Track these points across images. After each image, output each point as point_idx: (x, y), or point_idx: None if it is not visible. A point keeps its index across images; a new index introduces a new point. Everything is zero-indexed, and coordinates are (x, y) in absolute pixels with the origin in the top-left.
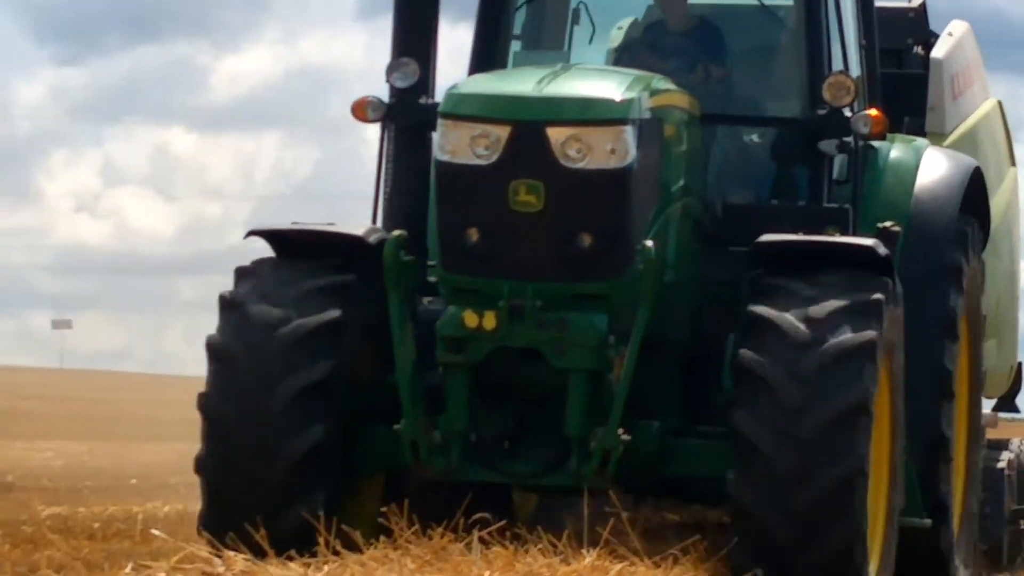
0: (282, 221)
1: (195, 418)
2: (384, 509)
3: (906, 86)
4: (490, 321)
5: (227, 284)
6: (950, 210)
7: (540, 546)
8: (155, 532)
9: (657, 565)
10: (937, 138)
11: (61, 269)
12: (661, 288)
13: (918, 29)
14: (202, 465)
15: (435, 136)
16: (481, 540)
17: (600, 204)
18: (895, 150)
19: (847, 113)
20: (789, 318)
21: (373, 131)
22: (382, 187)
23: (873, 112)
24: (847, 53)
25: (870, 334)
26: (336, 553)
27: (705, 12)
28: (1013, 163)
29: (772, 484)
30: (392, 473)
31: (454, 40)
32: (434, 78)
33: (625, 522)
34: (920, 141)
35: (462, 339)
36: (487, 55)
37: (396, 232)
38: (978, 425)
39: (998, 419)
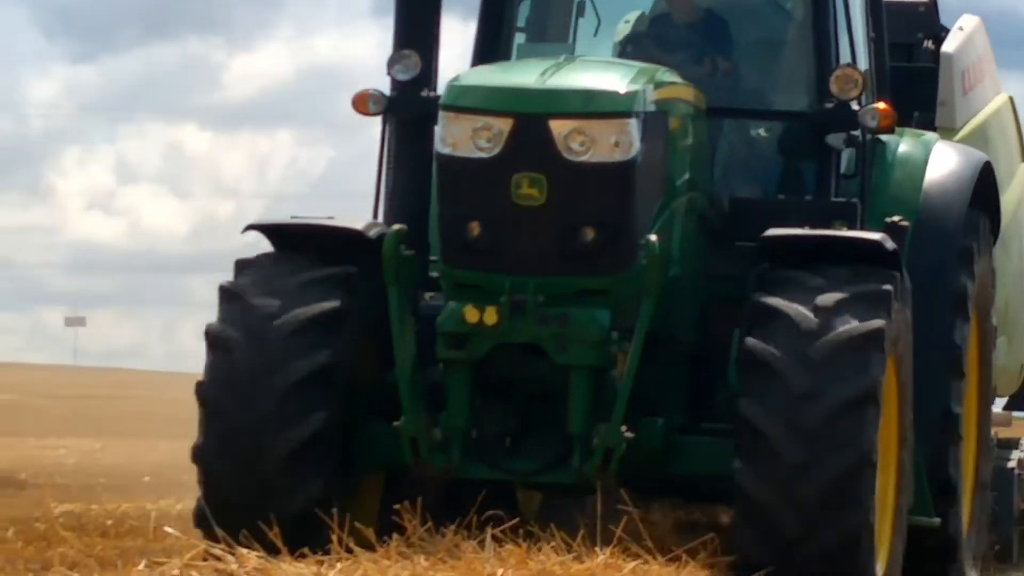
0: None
1: None
2: (397, 507)
3: (916, 80)
4: (491, 316)
5: None
6: (959, 205)
7: (553, 544)
8: (168, 529)
9: (670, 563)
10: (947, 133)
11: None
12: (665, 283)
13: (928, 23)
14: (199, 453)
15: (436, 129)
16: (493, 538)
17: (603, 198)
18: (904, 144)
19: (855, 106)
20: (797, 307)
21: None
22: (383, 181)
23: (881, 105)
24: (855, 46)
25: (879, 323)
26: (349, 551)
27: (712, 5)
28: None
29: (778, 473)
30: (392, 471)
31: (459, 33)
32: (436, 71)
33: (638, 520)
34: (929, 135)
35: (463, 335)
36: (490, 47)
37: (396, 226)
38: (987, 427)
39: (1012, 418)
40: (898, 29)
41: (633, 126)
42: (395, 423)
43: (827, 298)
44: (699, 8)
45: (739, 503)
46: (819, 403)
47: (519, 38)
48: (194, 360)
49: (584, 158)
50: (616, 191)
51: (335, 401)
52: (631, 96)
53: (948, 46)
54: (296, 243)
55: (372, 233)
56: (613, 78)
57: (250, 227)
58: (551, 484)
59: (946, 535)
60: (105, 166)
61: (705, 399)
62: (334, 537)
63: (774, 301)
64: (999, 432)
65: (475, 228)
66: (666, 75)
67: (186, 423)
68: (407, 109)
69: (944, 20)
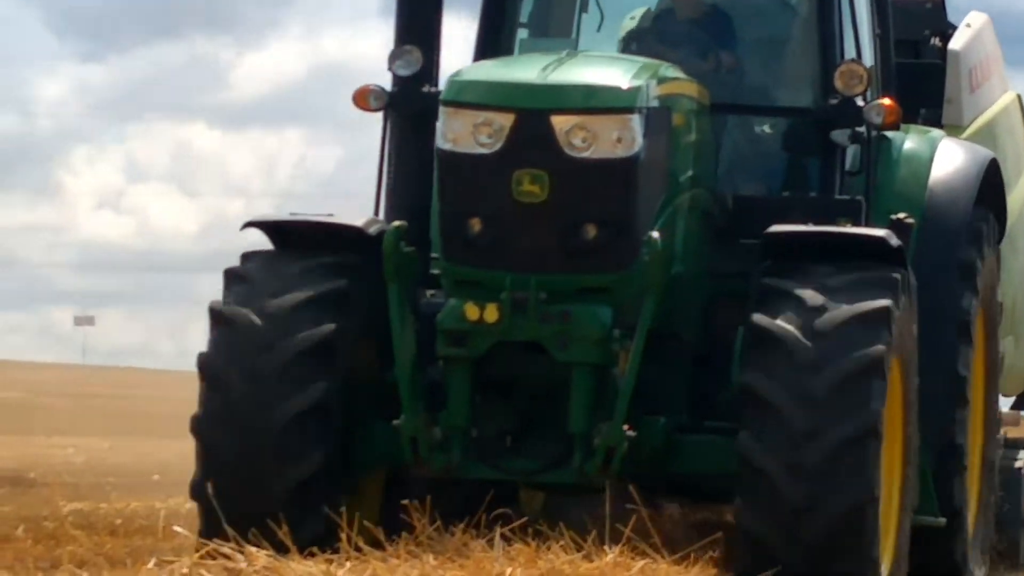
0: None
1: None
2: (404, 502)
3: (923, 77)
4: (492, 314)
5: None
6: (965, 203)
7: (562, 543)
8: (177, 528)
9: (678, 563)
10: (954, 131)
11: (83, 266)
12: (668, 280)
13: (936, 20)
14: (198, 425)
15: (437, 125)
16: (502, 537)
17: (605, 194)
18: (909, 141)
19: (860, 102)
20: (794, 333)
21: None
22: (384, 177)
23: (886, 102)
24: (860, 42)
25: (879, 349)
26: (358, 550)
27: (716, 0)
28: None
29: (780, 514)
30: (392, 471)
31: (460, 28)
32: (438, 66)
33: (646, 519)
34: (935, 132)
35: (463, 332)
36: (492, 43)
37: (396, 223)
38: (994, 422)
39: (1020, 417)
40: (905, 26)
41: (636, 122)
42: (395, 422)
43: (825, 322)
44: (703, 4)
45: (741, 541)
46: (819, 441)
47: (521, 33)
48: None
49: (586, 154)
50: (618, 188)
51: (336, 372)
52: (634, 92)
53: (955, 43)
54: (296, 240)
55: (372, 230)
56: (616, 73)
57: (249, 224)
58: (552, 484)
59: (954, 551)
60: (114, 165)
61: (708, 397)
62: (343, 536)
63: (771, 324)
64: (1007, 431)
65: (476, 225)
66: (669, 71)
67: None
68: (408, 105)
69: (952, 17)
